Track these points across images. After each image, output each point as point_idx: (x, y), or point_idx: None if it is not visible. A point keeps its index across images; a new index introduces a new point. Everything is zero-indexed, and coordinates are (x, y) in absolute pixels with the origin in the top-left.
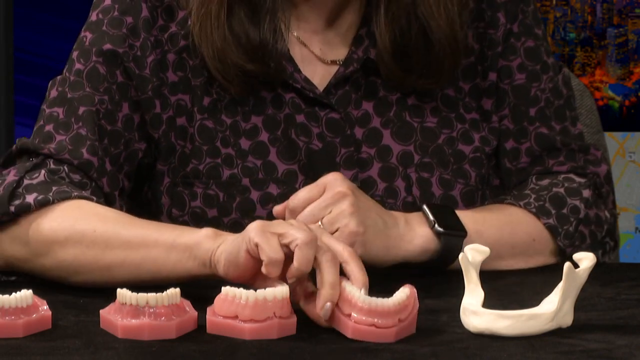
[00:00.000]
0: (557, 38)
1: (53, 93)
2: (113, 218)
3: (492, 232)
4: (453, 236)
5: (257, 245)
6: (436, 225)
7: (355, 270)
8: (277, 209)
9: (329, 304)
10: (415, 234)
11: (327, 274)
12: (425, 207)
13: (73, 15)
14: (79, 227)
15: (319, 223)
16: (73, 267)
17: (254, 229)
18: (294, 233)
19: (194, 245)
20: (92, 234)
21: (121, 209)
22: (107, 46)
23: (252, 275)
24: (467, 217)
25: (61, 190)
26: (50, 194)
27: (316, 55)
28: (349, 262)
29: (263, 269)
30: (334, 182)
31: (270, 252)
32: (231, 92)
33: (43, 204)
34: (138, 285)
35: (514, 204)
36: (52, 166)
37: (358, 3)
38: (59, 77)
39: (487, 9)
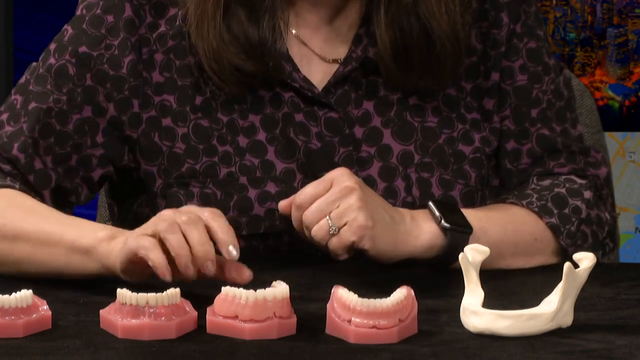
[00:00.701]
0: (557, 38)
1: (22, 79)
2: (28, 210)
3: (496, 230)
4: (459, 232)
5: (140, 254)
6: (442, 221)
7: (219, 231)
8: (282, 204)
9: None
10: (422, 230)
11: (192, 238)
12: (430, 203)
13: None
14: None
15: (327, 218)
16: None
17: (133, 238)
18: (158, 227)
19: (91, 249)
20: (1, 227)
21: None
22: (83, 48)
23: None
24: (471, 214)
25: None
26: None
27: (317, 54)
28: (212, 225)
29: (157, 273)
30: (340, 177)
31: (153, 256)
32: (226, 91)
33: None
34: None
35: (516, 203)
36: None
37: (359, 2)
38: (34, 64)
39: (490, 9)
